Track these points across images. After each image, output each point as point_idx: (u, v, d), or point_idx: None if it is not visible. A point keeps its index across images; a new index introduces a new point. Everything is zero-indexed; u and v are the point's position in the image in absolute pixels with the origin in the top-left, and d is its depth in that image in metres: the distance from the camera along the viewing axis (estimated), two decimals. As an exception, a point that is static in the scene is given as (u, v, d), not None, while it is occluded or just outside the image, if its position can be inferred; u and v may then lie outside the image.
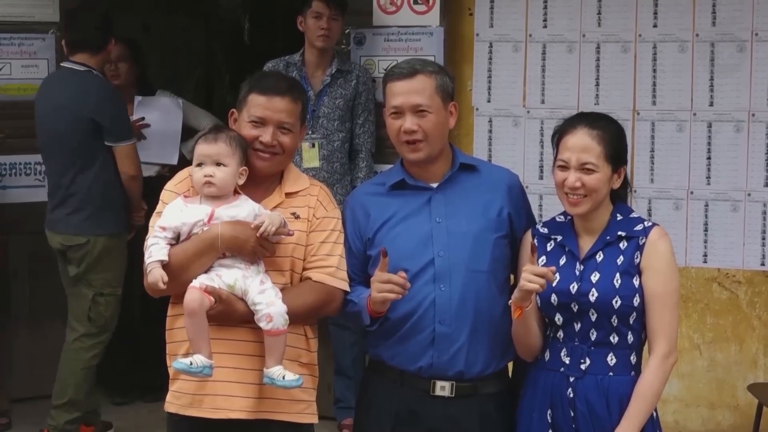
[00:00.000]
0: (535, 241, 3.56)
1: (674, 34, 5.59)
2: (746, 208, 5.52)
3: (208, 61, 10.18)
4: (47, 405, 5.62)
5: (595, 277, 3.46)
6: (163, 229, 3.47)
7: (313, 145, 5.68)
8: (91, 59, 5.59)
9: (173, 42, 9.25)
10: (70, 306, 5.67)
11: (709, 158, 5.57)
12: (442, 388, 3.60)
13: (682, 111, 5.59)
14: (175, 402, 3.56)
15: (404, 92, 3.58)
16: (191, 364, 3.34)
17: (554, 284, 3.42)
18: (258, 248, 3.45)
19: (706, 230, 5.58)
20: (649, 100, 5.64)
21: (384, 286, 3.43)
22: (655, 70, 5.63)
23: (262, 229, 3.42)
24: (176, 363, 3.38)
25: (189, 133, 6.30)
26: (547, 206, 5.62)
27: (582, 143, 3.46)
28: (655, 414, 3.49)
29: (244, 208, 3.50)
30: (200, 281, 3.40)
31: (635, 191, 5.42)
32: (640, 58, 5.65)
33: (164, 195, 3.62)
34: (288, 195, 3.61)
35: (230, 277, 3.43)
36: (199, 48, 9.96)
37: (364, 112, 5.81)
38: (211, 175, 3.47)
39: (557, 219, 3.64)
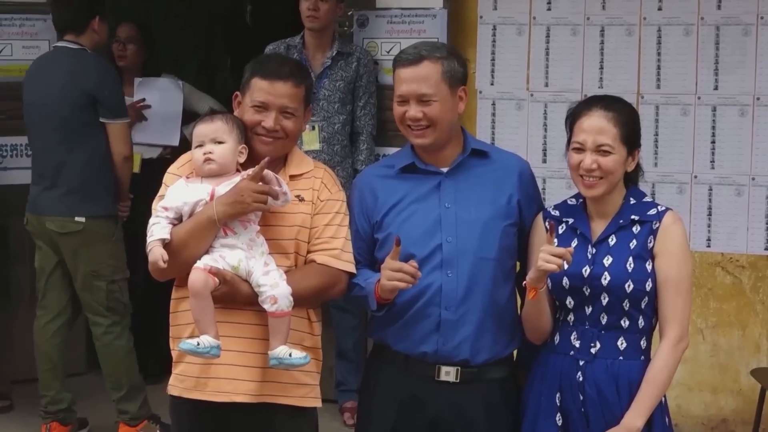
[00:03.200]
0: (546, 224, 3.54)
1: (679, 17, 5.56)
2: (750, 192, 5.50)
3: (209, 43, 10.14)
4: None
5: (607, 261, 3.44)
6: (166, 209, 3.46)
7: (314, 128, 5.66)
8: (79, 38, 5.54)
9: (175, 25, 9.20)
10: (85, 302, 5.60)
11: (713, 142, 5.55)
12: (447, 374, 3.58)
13: (687, 95, 5.57)
14: (179, 385, 3.54)
15: (409, 80, 3.53)
16: (198, 344, 3.31)
17: (566, 267, 3.38)
18: (257, 195, 3.37)
19: (709, 215, 5.56)
20: (653, 83, 5.62)
21: (395, 274, 3.39)
22: (659, 54, 5.60)
23: (250, 170, 3.41)
24: (183, 344, 3.36)
25: (191, 117, 6.26)
26: (551, 190, 5.61)
27: (598, 125, 3.45)
28: (663, 399, 3.48)
29: None
30: (204, 262, 3.37)
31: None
32: (645, 42, 5.61)
33: (167, 178, 3.60)
34: (292, 178, 3.58)
35: (234, 258, 3.40)
36: (201, 31, 9.90)
37: (365, 95, 5.78)
38: (210, 152, 3.46)
39: (569, 202, 3.63)
